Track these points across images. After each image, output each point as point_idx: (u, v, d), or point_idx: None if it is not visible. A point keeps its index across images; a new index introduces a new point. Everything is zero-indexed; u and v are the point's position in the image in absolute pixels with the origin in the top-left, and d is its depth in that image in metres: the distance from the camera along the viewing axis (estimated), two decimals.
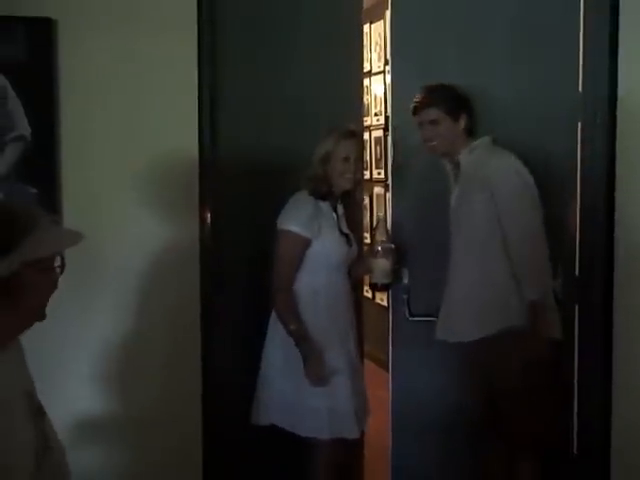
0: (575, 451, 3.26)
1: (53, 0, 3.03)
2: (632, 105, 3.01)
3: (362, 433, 3.22)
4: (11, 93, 2.97)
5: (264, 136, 3.26)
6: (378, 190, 6.01)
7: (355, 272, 3.21)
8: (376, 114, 6.00)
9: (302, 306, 3.00)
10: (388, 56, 3.85)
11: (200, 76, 3.11)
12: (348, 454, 3.17)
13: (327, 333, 3.01)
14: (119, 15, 3.05)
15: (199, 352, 3.16)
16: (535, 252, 2.96)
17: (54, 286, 1.70)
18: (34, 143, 3.00)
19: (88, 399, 3.11)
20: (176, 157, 3.11)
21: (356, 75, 3.48)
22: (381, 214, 5.67)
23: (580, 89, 3.14)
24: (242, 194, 3.26)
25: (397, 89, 3.32)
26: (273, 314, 3.05)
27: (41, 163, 3.02)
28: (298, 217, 2.99)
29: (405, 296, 3.29)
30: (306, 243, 2.99)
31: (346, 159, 3.03)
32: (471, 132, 3.09)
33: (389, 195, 3.56)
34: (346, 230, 3.13)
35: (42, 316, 1.71)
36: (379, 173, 5.97)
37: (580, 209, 3.17)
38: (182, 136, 3.10)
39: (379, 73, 5.90)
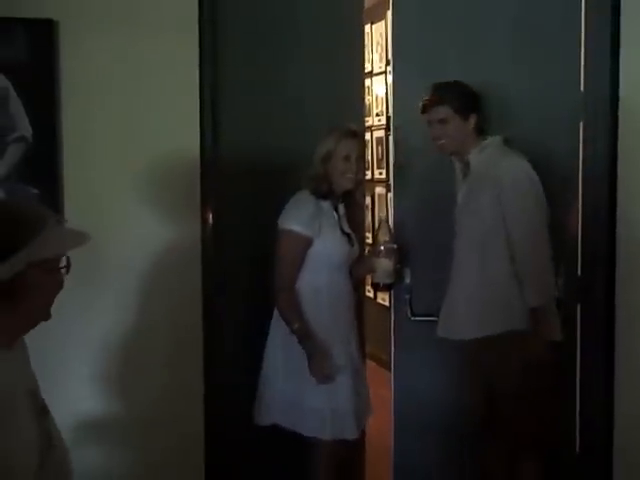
0: (578, 450, 3.26)
1: (54, 1, 3.03)
2: (634, 105, 3.01)
3: (363, 432, 3.23)
4: (12, 94, 2.97)
5: (265, 136, 3.26)
6: (380, 190, 6.01)
7: (357, 272, 3.21)
8: (378, 114, 6.00)
9: (304, 305, 3.01)
10: (389, 56, 3.85)
11: (201, 76, 3.11)
12: (350, 453, 3.17)
13: (329, 332, 3.01)
14: (120, 16, 3.05)
15: (201, 352, 3.16)
16: (539, 257, 2.96)
17: (60, 286, 1.71)
18: (35, 144, 3.00)
19: (90, 399, 3.11)
20: (177, 157, 3.11)
21: (357, 75, 3.48)
22: (383, 214, 5.67)
23: (582, 89, 3.14)
24: (243, 194, 3.26)
25: (398, 89, 3.32)
26: (275, 314, 3.06)
27: (42, 164, 3.02)
28: (299, 216, 2.99)
29: (407, 296, 3.29)
30: (307, 242, 2.99)
31: (347, 158, 3.03)
32: (481, 131, 3.08)
33: (391, 195, 3.56)
34: (347, 230, 3.13)
35: (47, 316, 1.71)
36: (381, 173, 5.97)
37: (582, 208, 3.17)
38: (183, 136, 3.10)
39: (380, 73, 5.90)
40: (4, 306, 1.62)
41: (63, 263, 1.70)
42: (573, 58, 3.13)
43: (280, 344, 3.03)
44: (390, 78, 3.54)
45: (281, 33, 3.29)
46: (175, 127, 3.09)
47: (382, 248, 3.13)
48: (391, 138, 3.45)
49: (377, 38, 5.91)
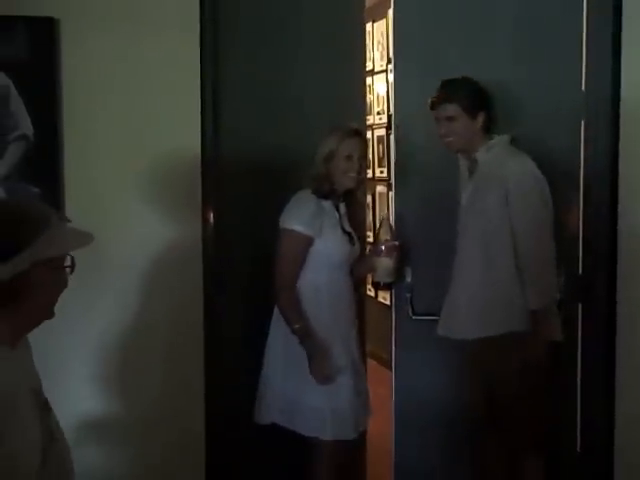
0: (579, 449, 3.26)
1: None
2: (635, 104, 3.01)
3: (364, 432, 3.23)
4: (13, 92, 2.97)
5: (266, 135, 3.26)
6: (381, 189, 6.01)
7: (358, 271, 3.21)
8: (379, 113, 6.00)
9: (305, 304, 3.00)
10: (391, 55, 3.84)
11: (202, 75, 3.11)
12: (350, 453, 3.17)
13: (329, 331, 3.01)
14: (121, 14, 3.05)
15: (202, 351, 3.16)
16: (543, 259, 2.95)
17: (64, 285, 1.71)
18: (37, 142, 3.00)
19: (91, 398, 3.11)
20: (179, 156, 3.11)
21: (359, 74, 3.48)
22: (384, 213, 5.67)
23: (583, 88, 3.13)
24: (245, 193, 3.26)
25: (400, 88, 3.32)
26: (275, 313, 3.05)
27: (44, 162, 3.02)
28: (300, 216, 2.98)
29: (408, 295, 3.29)
30: (308, 242, 2.99)
31: (349, 157, 3.03)
32: (489, 129, 3.07)
33: (392, 194, 3.56)
34: (348, 229, 3.13)
35: (51, 314, 1.72)
36: (382, 172, 5.97)
37: (583, 208, 3.16)
38: (184, 135, 3.10)
39: (382, 72, 5.89)
40: (8, 305, 1.62)
41: (68, 262, 1.70)
42: (574, 57, 3.13)
43: (280, 343, 3.03)
44: (391, 76, 3.54)
45: (282, 32, 3.29)
46: (176, 126, 3.09)
47: (383, 247, 3.13)
48: (392, 136, 3.45)
49: (378, 37, 5.91)
